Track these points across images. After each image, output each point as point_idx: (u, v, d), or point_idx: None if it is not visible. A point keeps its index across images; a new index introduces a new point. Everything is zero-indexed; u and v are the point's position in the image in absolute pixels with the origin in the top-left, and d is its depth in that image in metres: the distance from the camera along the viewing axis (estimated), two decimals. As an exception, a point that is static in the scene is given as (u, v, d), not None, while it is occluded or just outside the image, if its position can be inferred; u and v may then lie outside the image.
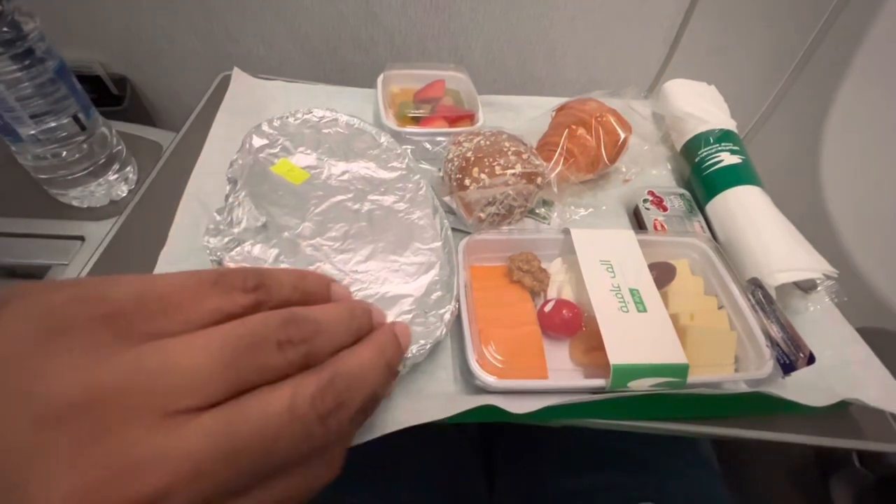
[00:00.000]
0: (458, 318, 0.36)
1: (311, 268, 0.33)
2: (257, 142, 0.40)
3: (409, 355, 0.30)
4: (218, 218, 0.33)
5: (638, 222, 0.47)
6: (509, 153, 0.40)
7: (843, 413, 0.37)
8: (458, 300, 0.35)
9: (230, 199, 0.35)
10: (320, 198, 0.37)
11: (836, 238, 0.38)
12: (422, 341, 0.31)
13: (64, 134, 0.40)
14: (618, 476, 0.40)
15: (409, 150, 0.43)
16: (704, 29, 0.65)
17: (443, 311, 0.33)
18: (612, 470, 0.41)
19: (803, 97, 0.66)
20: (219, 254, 0.31)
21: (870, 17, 0.55)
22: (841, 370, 0.37)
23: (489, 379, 0.32)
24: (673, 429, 0.34)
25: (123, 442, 0.11)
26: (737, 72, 0.68)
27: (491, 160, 0.40)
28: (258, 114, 0.50)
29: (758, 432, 0.35)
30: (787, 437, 0.35)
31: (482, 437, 0.51)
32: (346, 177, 0.39)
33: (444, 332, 0.32)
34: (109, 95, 0.72)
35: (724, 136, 0.48)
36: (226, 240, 0.32)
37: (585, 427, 0.34)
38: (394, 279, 0.34)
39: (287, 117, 0.42)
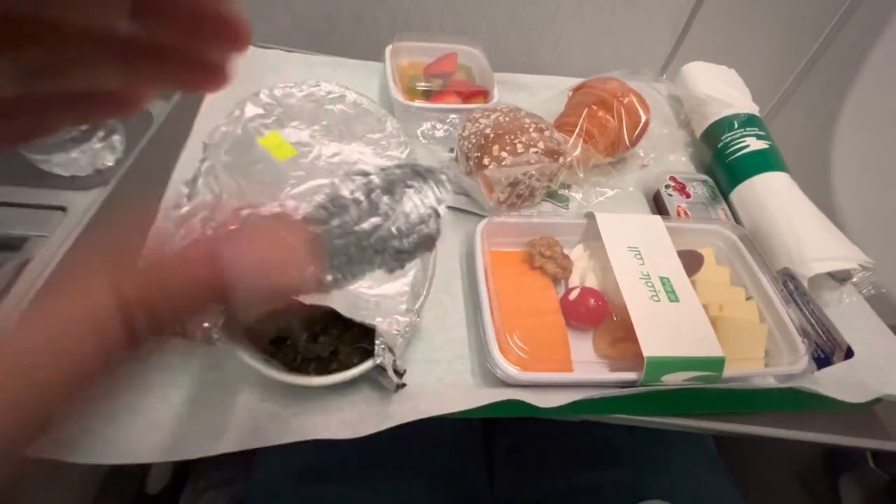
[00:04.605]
0: (476, 306, 0.34)
1: None
2: (251, 111, 0.37)
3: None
4: (184, 190, 0.30)
5: (658, 208, 0.45)
6: (531, 130, 0.38)
7: (862, 410, 0.35)
8: (418, 313, 0.29)
9: (196, 168, 0.32)
10: (300, 178, 0.33)
11: (843, 233, 0.38)
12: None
13: None
14: (624, 473, 0.39)
15: (418, 132, 0.39)
16: (714, 19, 0.63)
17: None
18: (618, 467, 0.40)
19: (814, 93, 0.64)
20: (173, 230, 0.28)
21: (887, 13, 0.53)
22: (871, 364, 0.36)
23: (512, 370, 0.29)
24: (688, 425, 0.32)
25: None
26: (746, 64, 0.66)
27: (512, 137, 0.37)
28: (255, 84, 0.46)
29: (776, 430, 0.33)
30: (805, 436, 0.33)
31: (485, 429, 0.49)
32: (336, 159, 0.35)
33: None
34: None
35: (750, 121, 0.46)
36: (182, 211, 0.29)
37: (599, 422, 0.32)
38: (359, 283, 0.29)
39: (291, 87, 0.39)
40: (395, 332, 0.26)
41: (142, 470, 0.52)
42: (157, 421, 0.27)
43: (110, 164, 0.43)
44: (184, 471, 0.54)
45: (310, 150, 0.35)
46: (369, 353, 0.26)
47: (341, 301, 0.26)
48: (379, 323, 0.26)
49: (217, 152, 0.32)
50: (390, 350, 0.26)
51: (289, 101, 0.39)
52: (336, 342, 0.28)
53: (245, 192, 0.31)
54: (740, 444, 0.57)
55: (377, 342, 0.26)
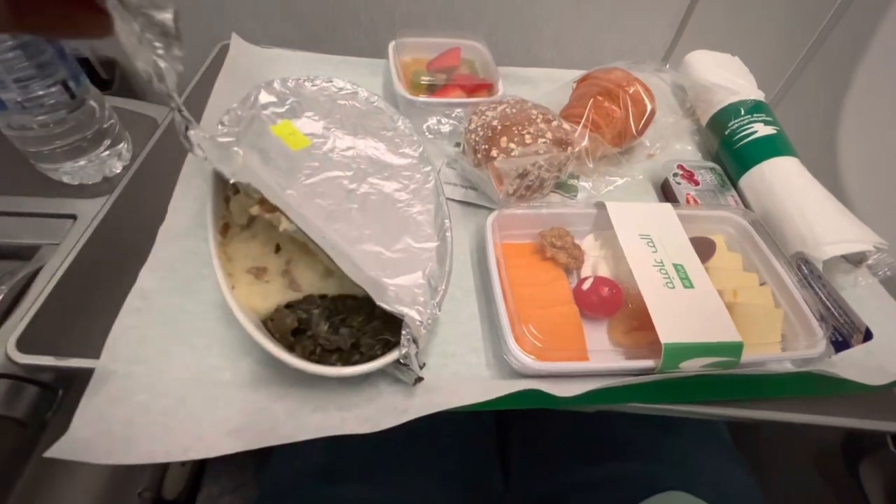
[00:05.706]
0: (490, 298, 0.33)
1: None
2: (264, 98, 0.37)
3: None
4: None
5: (667, 197, 0.45)
6: (538, 121, 0.38)
7: (881, 393, 0.34)
8: (439, 306, 0.29)
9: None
10: (315, 169, 0.34)
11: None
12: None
13: (52, 102, 0.37)
14: (640, 465, 0.39)
15: (424, 127, 0.39)
16: (713, 6, 0.63)
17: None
18: (633, 459, 0.39)
19: (819, 78, 0.64)
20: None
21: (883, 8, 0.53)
22: (889, 346, 0.35)
23: (528, 360, 0.29)
24: (705, 412, 0.32)
25: None
26: (749, 51, 0.66)
27: (520, 128, 0.37)
28: (257, 81, 0.46)
29: (795, 415, 0.33)
30: (823, 420, 0.33)
31: (497, 422, 0.49)
32: (350, 153, 0.36)
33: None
34: (98, 80, 0.67)
35: (756, 107, 0.46)
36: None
37: (613, 415, 0.32)
38: (370, 272, 0.29)
39: (304, 80, 0.39)
40: (419, 322, 0.26)
41: (159, 475, 0.52)
42: (173, 421, 0.27)
43: (118, 171, 0.43)
44: (199, 476, 0.54)
45: (324, 142, 0.35)
46: (391, 346, 0.26)
47: (369, 287, 0.26)
48: (406, 312, 0.26)
49: (233, 128, 0.32)
50: (415, 341, 0.26)
51: (302, 92, 0.39)
52: (357, 334, 0.28)
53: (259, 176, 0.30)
54: (757, 434, 0.57)
55: (403, 332, 0.26)
